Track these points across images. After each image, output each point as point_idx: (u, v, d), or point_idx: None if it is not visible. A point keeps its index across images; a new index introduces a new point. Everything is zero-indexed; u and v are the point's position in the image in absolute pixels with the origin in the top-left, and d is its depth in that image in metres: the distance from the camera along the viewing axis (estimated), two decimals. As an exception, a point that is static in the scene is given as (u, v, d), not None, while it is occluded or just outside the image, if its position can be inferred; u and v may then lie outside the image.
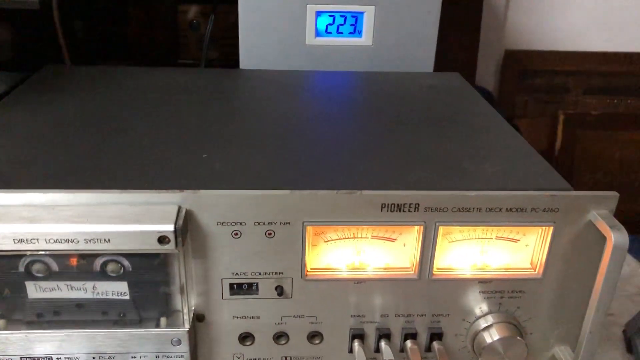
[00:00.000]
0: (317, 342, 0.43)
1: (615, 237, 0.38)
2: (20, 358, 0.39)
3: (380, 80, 0.62)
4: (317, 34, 0.65)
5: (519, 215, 0.39)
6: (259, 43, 0.65)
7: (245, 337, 0.42)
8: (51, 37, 0.74)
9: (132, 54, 0.97)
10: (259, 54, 0.65)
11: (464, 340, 0.43)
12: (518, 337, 0.41)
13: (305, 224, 0.39)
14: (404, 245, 0.41)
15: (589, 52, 1.65)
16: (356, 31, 0.65)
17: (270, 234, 0.39)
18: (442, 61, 0.72)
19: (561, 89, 1.68)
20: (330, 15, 0.64)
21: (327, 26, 0.65)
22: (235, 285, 0.40)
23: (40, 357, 0.39)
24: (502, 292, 0.42)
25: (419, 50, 0.66)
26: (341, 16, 0.64)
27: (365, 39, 0.65)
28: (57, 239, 0.35)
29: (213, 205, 0.37)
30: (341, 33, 0.65)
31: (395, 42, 0.65)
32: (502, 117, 0.53)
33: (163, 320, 0.40)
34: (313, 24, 0.64)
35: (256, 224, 0.38)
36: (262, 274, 0.40)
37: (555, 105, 1.69)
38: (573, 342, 0.43)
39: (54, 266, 0.38)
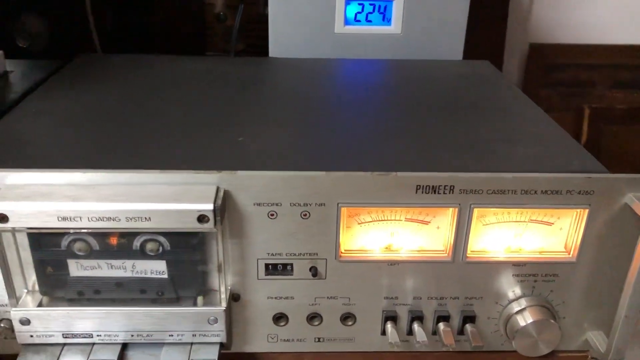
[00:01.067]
0: (350, 323, 0.43)
1: (653, 219, 0.37)
2: (62, 334, 0.40)
3: (410, 67, 0.62)
4: (347, 22, 0.65)
5: (554, 198, 0.39)
6: (288, 32, 0.65)
7: (279, 318, 0.43)
8: (83, 27, 0.75)
9: (158, 45, 0.98)
10: (288, 43, 0.65)
11: (497, 323, 0.43)
12: (552, 320, 0.41)
13: (340, 205, 0.39)
14: (438, 228, 0.41)
15: (615, 45, 1.62)
16: (385, 19, 0.65)
17: (305, 215, 0.39)
18: (469, 54, 0.72)
19: (587, 83, 1.65)
20: (360, 4, 0.64)
21: (356, 14, 0.65)
22: (270, 266, 0.41)
23: (81, 334, 0.40)
24: (536, 275, 0.42)
25: (448, 39, 0.66)
26: (370, 4, 0.64)
27: (394, 27, 0.65)
28: (99, 217, 0.36)
29: (250, 185, 0.38)
30: (370, 21, 0.65)
31: (424, 30, 0.65)
32: (534, 103, 0.53)
33: (200, 299, 0.40)
34: (342, 12, 0.64)
35: (292, 204, 0.39)
36: (296, 254, 0.40)
37: (580, 99, 1.67)
38: (607, 328, 0.43)
39: (95, 245, 0.38)
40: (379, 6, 0.64)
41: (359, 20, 0.65)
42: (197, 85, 0.55)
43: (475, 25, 0.73)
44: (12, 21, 0.69)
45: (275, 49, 0.66)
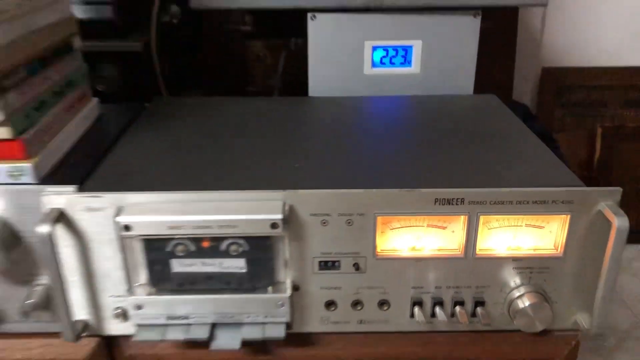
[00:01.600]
0: (385, 308, 0.55)
1: (619, 222, 0.49)
2: (166, 317, 0.52)
3: (428, 102, 0.74)
4: (373, 65, 0.78)
5: (543, 207, 0.51)
6: (325, 74, 0.78)
7: (330, 304, 0.55)
8: (149, 73, 0.89)
9: (206, 83, 1.12)
10: (325, 84, 0.78)
11: (502, 307, 0.55)
12: (545, 303, 0.53)
13: (376, 214, 0.51)
14: (453, 232, 0.53)
15: (624, 67, 1.74)
16: (406, 61, 0.77)
17: (349, 222, 0.51)
18: (481, 79, 0.84)
19: (598, 103, 1.76)
20: (384, 49, 0.77)
21: (381, 58, 0.77)
22: (322, 263, 0.53)
23: (180, 317, 0.52)
24: (532, 268, 0.53)
25: (460, 76, 0.78)
26: (394, 49, 0.77)
27: (414, 68, 0.78)
28: (197, 226, 0.49)
29: (307, 201, 0.50)
30: (393, 64, 0.78)
31: (439, 70, 0.78)
32: (531, 132, 0.65)
33: (270, 288, 0.52)
34: (370, 56, 0.77)
35: (339, 215, 0.51)
36: (343, 253, 0.52)
37: (592, 118, 1.78)
38: (592, 310, 0.54)
39: (192, 247, 0.51)
40: (401, 51, 0.77)
41: (384, 63, 0.77)
42: (256, 121, 0.68)
43: (486, 52, 0.85)
44: (93, 69, 0.83)
45: (314, 89, 0.78)
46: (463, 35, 0.76)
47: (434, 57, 0.77)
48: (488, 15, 0.77)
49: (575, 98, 1.83)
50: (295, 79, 1.01)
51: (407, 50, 0.77)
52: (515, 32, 1.53)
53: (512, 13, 1.38)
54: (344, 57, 0.77)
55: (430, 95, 0.77)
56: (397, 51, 0.77)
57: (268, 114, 0.71)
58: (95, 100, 0.67)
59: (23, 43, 0.51)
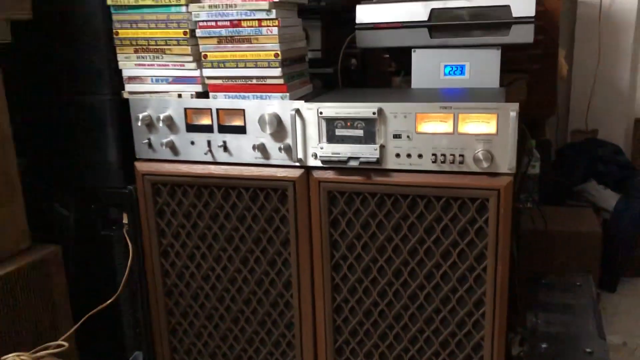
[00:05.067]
0: (420, 157, 1.29)
1: (512, 114, 1.19)
2: (331, 153, 1.32)
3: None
4: (445, 74, 1.53)
5: (490, 112, 1.22)
6: (422, 78, 1.56)
7: (397, 155, 1.30)
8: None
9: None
10: (423, 85, 1.56)
11: (471, 158, 1.25)
12: (489, 155, 1.23)
13: (416, 113, 1.27)
14: (447, 122, 1.26)
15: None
16: (462, 73, 1.52)
17: (405, 116, 1.28)
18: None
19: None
20: (449, 66, 1.52)
21: (449, 71, 1.53)
22: (395, 135, 1.29)
23: (338, 153, 1.32)
24: (484, 140, 1.24)
25: (488, 81, 1.50)
26: (455, 66, 1.52)
27: (466, 76, 1.52)
28: (347, 115, 1.29)
29: (389, 106, 1.28)
30: (455, 74, 1.53)
31: (478, 77, 1.51)
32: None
33: (373, 145, 1.30)
34: (443, 70, 1.53)
35: (402, 113, 1.28)
36: (403, 130, 1.29)
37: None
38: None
39: (343, 124, 1.31)
40: (458, 67, 1.52)
41: (449, 73, 1.53)
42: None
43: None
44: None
45: (415, 84, 1.56)
46: (490, 60, 1.49)
47: (475, 71, 1.50)
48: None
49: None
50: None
51: (461, 67, 1.52)
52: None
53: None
54: (431, 71, 1.54)
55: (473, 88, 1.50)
56: (456, 68, 1.52)
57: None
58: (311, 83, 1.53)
59: (289, 50, 1.39)
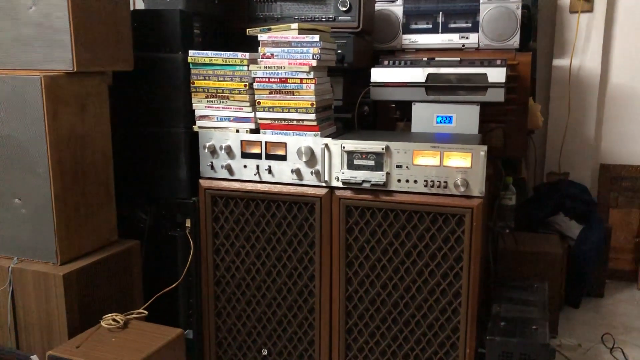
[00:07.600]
0: (414, 182, 1.75)
1: (482, 151, 1.66)
2: (350, 177, 1.79)
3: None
4: (437, 122, 2.01)
5: (466, 149, 1.69)
6: (419, 127, 2.03)
7: (399, 180, 1.76)
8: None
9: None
10: (420, 130, 2.04)
11: (452, 184, 1.72)
12: (465, 181, 1.69)
13: (413, 150, 1.74)
14: (434, 157, 1.73)
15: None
16: (450, 122, 2.00)
17: (406, 152, 1.75)
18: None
19: (642, 189, 2.79)
20: (442, 117, 2.00)
21: (439, 121, 2.00)
22: (398, 165, 1.76)
23: (354, 177, 1.79)
24: (462, 172, 1.70)
25: (470, 128, 1.98)
26: (445, 117, 2.00)
27: (453, 124, 2.00)
28: (362, 150, 1.77)
29: (392, 145, 1.75)
30: (444, 122, 2.00)
31: (462, 125, 1.99)
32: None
33: (380, 172, 1.77)
34: (435, 119, 2.01)
35: (402, 149, 1.75)
36: (403, 162, 1.76)
37: None
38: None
39: (361, 156, 1.78)
40: (448, 117, 2.00)
41: (441, 122, 2.01)
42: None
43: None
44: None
45: (415, 128, 2.04)
46: (471, 113, 1.97)
47: (460, 120, 1.98)
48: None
49: (626, 185, 2.89)
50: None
51: (450, 117, 2.00)
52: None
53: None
54: (426, 119, 2.02)
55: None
56: (446, 118, 2.00)
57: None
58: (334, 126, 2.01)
59: (321, 100, 1.87)
